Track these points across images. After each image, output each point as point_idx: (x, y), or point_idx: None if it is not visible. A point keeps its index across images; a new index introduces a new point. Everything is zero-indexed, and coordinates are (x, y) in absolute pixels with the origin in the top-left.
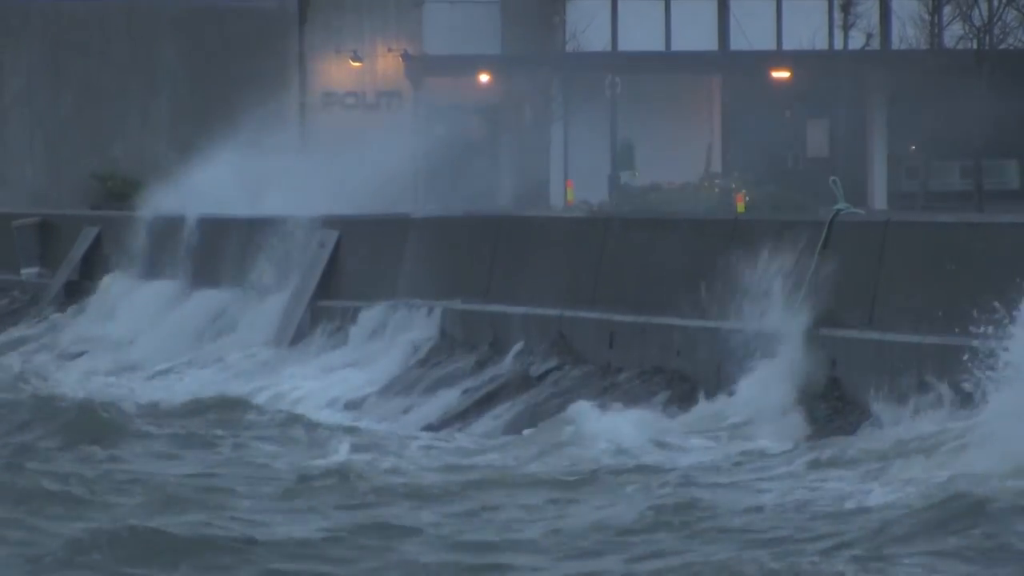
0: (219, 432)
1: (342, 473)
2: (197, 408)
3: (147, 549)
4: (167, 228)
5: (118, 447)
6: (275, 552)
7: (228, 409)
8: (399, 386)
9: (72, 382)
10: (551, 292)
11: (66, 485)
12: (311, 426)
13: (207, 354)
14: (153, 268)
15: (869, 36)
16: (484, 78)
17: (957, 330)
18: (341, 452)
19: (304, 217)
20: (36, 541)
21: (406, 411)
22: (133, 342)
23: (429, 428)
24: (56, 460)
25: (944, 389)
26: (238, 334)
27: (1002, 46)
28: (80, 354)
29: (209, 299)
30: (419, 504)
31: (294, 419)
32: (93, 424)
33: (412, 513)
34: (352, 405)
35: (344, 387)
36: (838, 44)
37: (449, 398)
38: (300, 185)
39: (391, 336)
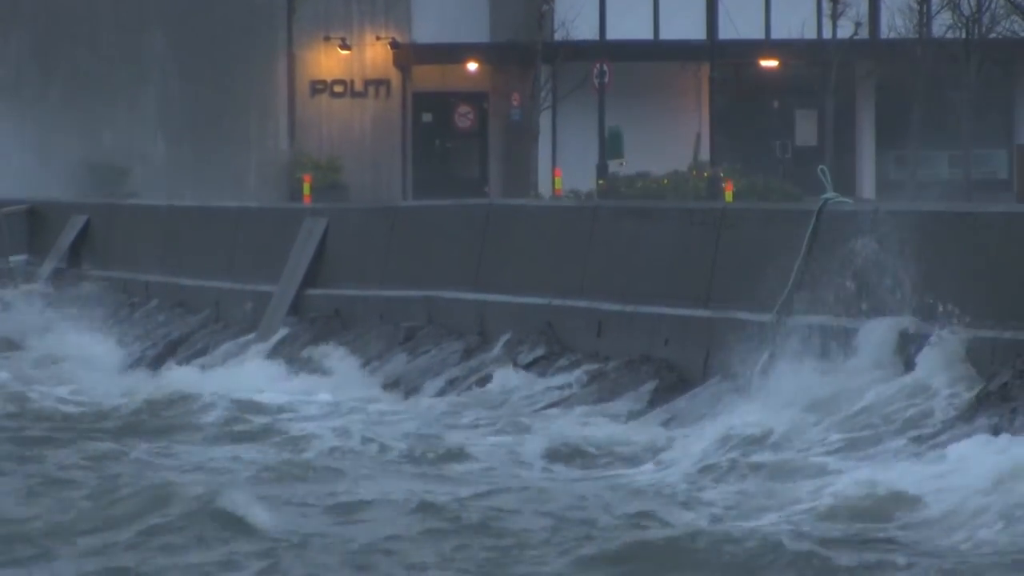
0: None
1: None
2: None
3: None
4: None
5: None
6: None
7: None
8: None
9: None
10: (539, 281)
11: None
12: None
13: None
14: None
15: (858, 25)
16: (472, 66)
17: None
18: None
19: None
20: None
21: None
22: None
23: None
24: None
25: None
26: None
27: (991, 35)
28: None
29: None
30: None
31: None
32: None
33: None
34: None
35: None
36: (827, 33)
37: (435, 387)
38: None
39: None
